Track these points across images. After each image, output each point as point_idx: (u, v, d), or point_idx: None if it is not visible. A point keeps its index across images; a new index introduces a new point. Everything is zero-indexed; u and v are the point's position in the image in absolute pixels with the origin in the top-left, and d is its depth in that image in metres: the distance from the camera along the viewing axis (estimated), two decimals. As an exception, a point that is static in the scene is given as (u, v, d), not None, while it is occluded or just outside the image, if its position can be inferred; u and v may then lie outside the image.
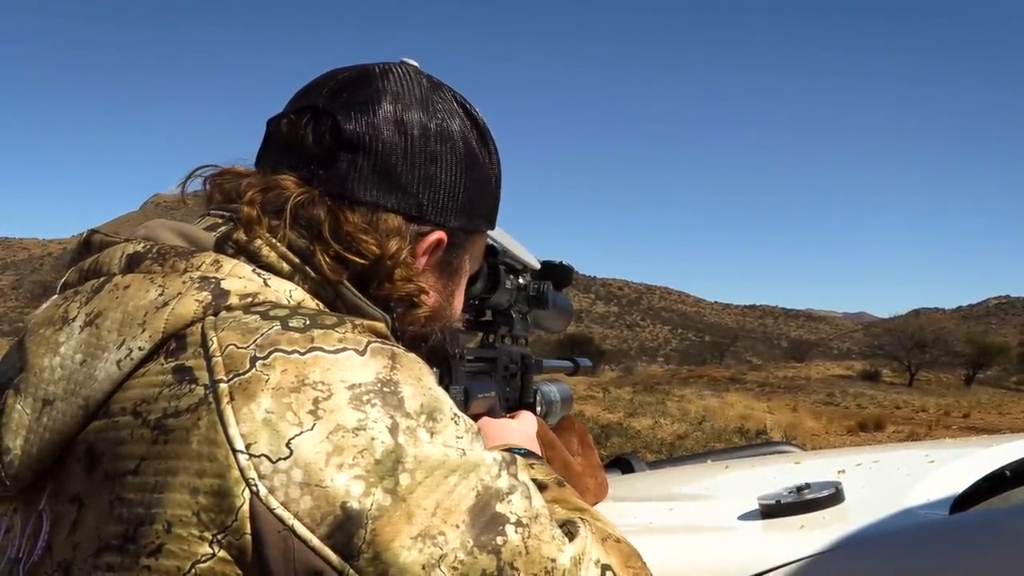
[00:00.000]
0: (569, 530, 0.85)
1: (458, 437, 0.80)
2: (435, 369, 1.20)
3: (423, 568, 0.74)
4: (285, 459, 0.74)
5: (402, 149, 0.96)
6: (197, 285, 0.85)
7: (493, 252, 1.37)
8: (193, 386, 0.78)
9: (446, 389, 1.10)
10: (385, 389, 0.79)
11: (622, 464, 2.20)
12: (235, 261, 0.89)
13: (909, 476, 1.57)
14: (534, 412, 1.55)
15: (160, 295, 0.84)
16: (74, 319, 0.86)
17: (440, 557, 0.75)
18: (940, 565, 1.21)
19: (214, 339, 0.80)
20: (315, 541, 0.74)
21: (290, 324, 0.81)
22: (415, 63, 1.03)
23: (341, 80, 0.98)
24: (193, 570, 0.74)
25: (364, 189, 0.94)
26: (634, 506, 1.65)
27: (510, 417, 1.43)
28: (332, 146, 0.94)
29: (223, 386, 0.77)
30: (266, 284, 0.88)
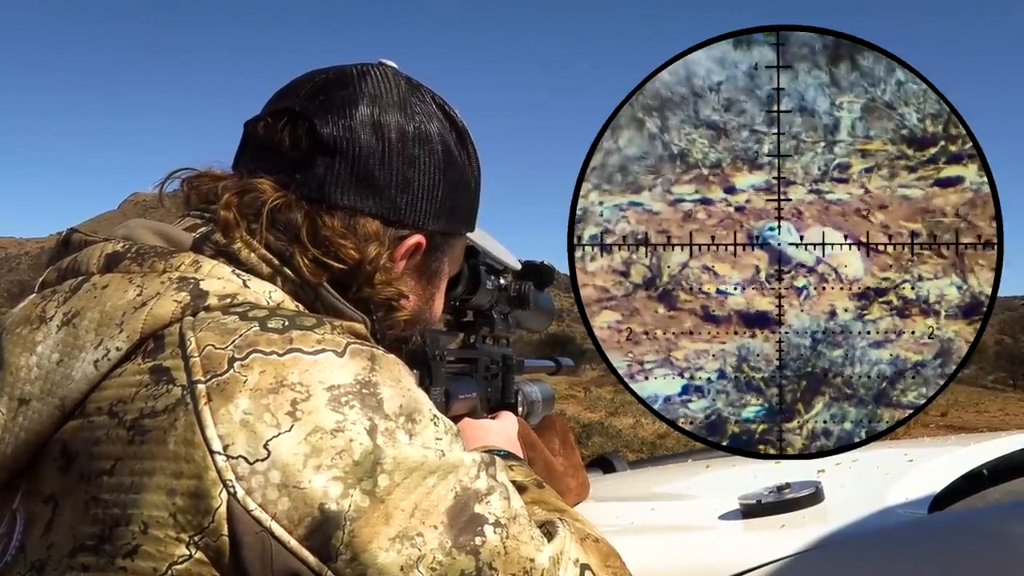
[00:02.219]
0: (548, 530, 0.85)
1: (437, 438, 0.80)
2: (415, 371, 1.20)
3: (401, 569, 0.74)
4: (263, 460, 0.74)
5: (380, 152, 0.95)
6: (176, 285, 0.84)
7: (473, 253, 1.37)
8: (170, 387, 0.78)
9: (426, 391, 1.10)
10: (364, 390, 0.79)
11: (604, 464, 2.20)
12: (214, 262, 0.88)
13: (888, 475, 1.58)
14: (515, 412, 1.55)
15: (138, 295, 0.84)
16: (52, 318, 0.85)
17: (418, 558, 0.75)
18: (919, 564, 1.21)
19: (192, 340, 0.80)
20: (293, 543, 0.73)
21: (269, 325, 0.81)
22: (394, 64, 1.02)
23: (318, 82, 0.97)
24: (169, 571, 0.74)
25: (341, 193, 0.94)
26: (615, 506, 1.65)
27: (491, 418, 1.43)
28: (309, 150, 0.94)
29: (201, 387, 0.77)
30: (245, 285, 0.87)
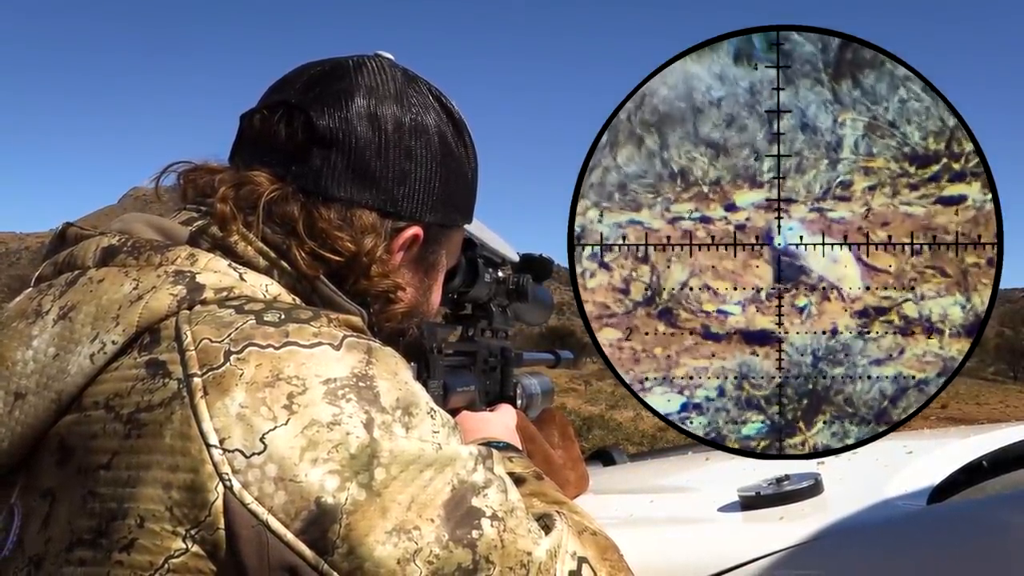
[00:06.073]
0: (546, 523, 0.85)
1: (434, 431, 0.80)
2: (413, 364, 1.20)
3: (398, 562, 0.74)
4: (259, 454, 0.74)
5: (376, 144, 0.95)
6: (172, 279, 0.84)
7: (471, 245, 1.36)
8: (166, 380, 0.77)
9: (424, 384, 1.10)
10: (360, 384, 0.79)
11: (603, 457, 2.21)
12: (210, 255, 0.88)
13: (887, 467, 1.58)
14: (514, 405, 1.54)
15: (134, 289, 0.84)
16: (47, 312, 0.85)
17: (415, 551, 0.75)
18: (918, 555, 1.21)
19: (188, 333, 0.80)
20: (289, 536, 0.73)
21: (265, 318, 0.81)
22: (390, 56, 1.02)
23: (314, 74, 0.97)
24: (166, 565, 0.73)
25: (338, 185, 0.93)
26: (615, 499, 1.65)
27: (490, 410, 1.43)
28: (305, 142, 0.94)
29: (197, 380, 0.77)
30: (242, 278, 0.87)
